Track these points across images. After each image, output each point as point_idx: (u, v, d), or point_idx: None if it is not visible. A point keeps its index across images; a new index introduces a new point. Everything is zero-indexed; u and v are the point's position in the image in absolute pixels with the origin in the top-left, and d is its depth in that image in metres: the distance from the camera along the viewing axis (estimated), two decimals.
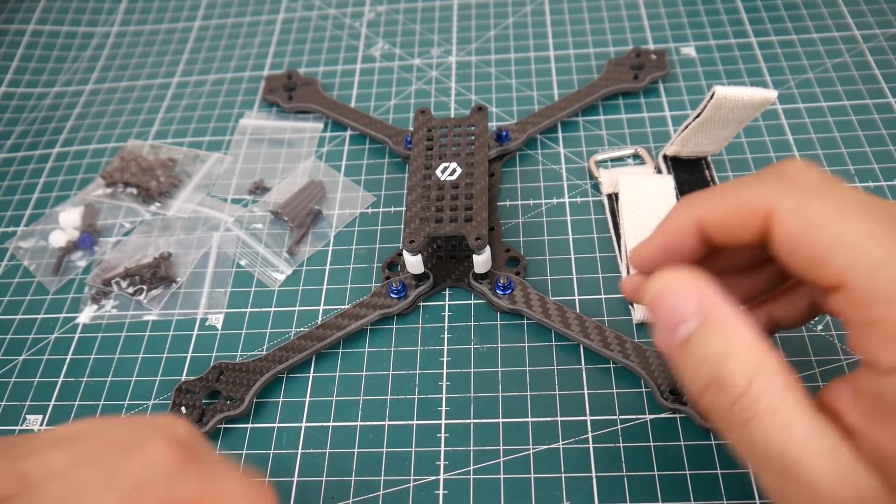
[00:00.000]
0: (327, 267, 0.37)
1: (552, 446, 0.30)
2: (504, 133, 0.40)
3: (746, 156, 0.38)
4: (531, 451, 0.30)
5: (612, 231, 0.36)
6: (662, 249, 0.22)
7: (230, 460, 0.22)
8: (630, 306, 0.33)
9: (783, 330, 0.25)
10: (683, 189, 0.36)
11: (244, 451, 0.31)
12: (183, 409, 0.32)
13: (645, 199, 0.36)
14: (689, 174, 0.37)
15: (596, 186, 0.39)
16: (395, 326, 0.34)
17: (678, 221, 0.22)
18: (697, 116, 0.34)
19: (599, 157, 0.39)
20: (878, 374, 0.18)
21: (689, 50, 0.45)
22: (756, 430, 0.18)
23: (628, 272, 0.34)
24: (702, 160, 0.38)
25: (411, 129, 0.41)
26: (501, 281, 0.33)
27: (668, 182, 0.37)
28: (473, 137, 0.36)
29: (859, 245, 0.18)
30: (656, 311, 0.20)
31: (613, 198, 0.37)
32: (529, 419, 0.31)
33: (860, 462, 0.18)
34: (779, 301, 0.24)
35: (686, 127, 0.35)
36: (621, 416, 0.30)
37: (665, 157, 0.38)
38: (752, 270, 0.24)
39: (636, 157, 0.39)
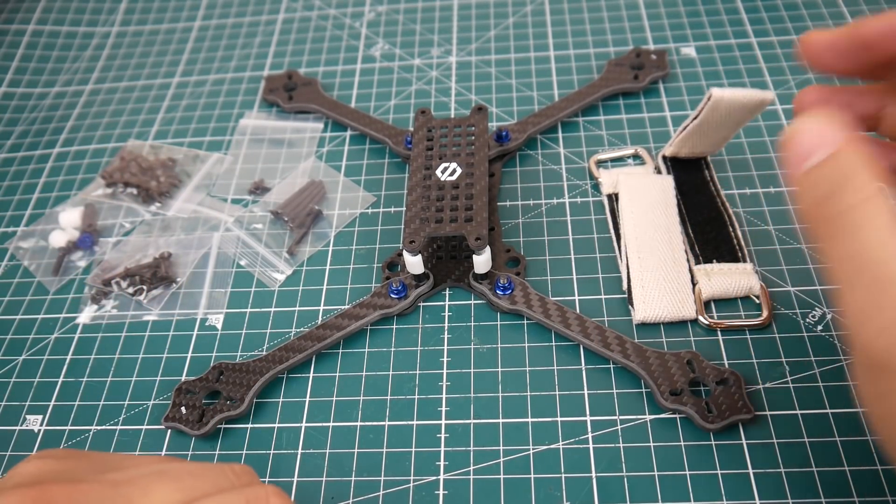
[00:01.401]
0: (327, 267, 0.37)
1: (552, 446, 0.30)
2: (504, 133, 0.40)
3: (746, 156, 0.38)
4: (531, 452, 0.30)
5: (612, 231, 0.36)
6: (851, 39, 0.24)
7: None
8: (629, 307, 0.33)
9: None
10: (683, 189, 0.36)
11: (244, 452, 0.31)
12: (183, 409, 0.32)
13: (645, 200, 0.36)
14: (689, 174, 0.37)
15: (596, 186, 0.39)
16: (395, 327, 0.34)
17: (880, 19, 0.24)
18: (695, 118, 0.34)
19: (600, 157, 0.39)
20: None
21: (689, 50, 0.45)
22: (860, 240, 0.20)
23: (628, 272, 0.34)
24: (701, 160, 0.38)
25: (411, 129, 0.41)
26: (501, 281, 0.33)
27: (668, 182, 0.37)
28: (473, 138, 0.36)
29: None
30: (792, 144, 0.23)
31: (613, 198, 0.37)
32: (529, 419, 0.31)
33: None
34: None
35: (684, 128, 0.35)
36: (621, 417, 0.30)
37: (664, 157, 0.38)
38: None
39: (636, 157, 0.39)
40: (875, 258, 0.20)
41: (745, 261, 0.33)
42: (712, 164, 0.38)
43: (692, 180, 0.37)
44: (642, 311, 0.33)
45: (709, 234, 0.35)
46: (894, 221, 0.20)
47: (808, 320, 0.32)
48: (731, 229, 0.35)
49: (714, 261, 0.33)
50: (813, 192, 0.22)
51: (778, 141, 0.23)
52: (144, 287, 0.37)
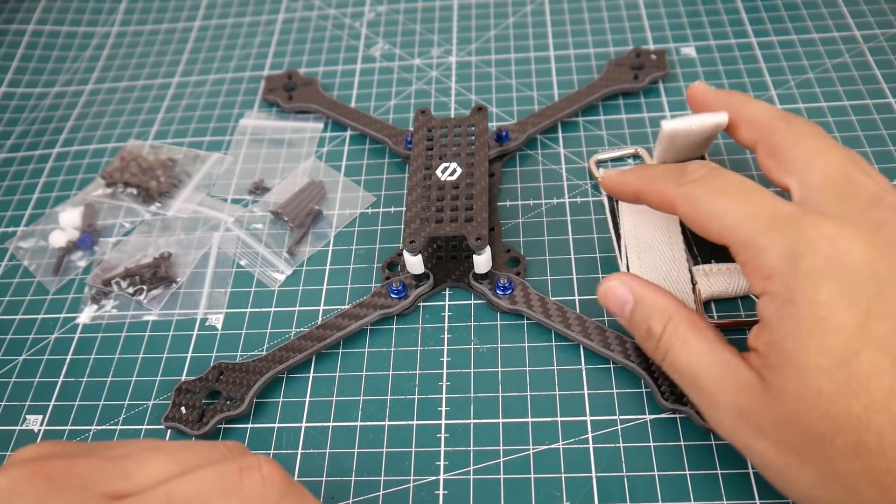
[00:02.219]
0: (327, 267, 0.37)
1: (552, 446, 0.30)
2: (504, 133, 0.40)
3: (746, 156, 0.39)
4: (531, 452, 0.30)
5: (611, 231, 0.36)
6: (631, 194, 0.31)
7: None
8: None
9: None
10: None
11: None
12: (183, 408, 0.32)
13: None
14: None
15: (596, 186, 0.39)
16: (394, 326, 0.34)
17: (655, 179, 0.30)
18: (656, 154, 0.33)
19: (599, 157, 0.39)
20: (757, 300, 0.25)
21: (689, 50, 0.45)
22: (672, 356, 0.26)
23: (628, 271, 0.34)
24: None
25: (411, 129, 0.41)
26: (502, 281, 0.33)
27: None
28: (473, 138, 0.36)
29: (724, 212, 0.26)
30: (607, 303, 0.29)
31: (613, 198, 0.37)
32: (529, 419, 0.31)
33: (745, 367, 0.24)
34: None
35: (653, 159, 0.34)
36: (621, 416, 0.30)
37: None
38: None
39: (636, 157, 0.39)
40: (686, 368, 0.26)
41: None
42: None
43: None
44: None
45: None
46: (691, 333, 0.26)
47: None
48: None
49: (713, 261, 0.33)
50: (638, 332, 0.28)
51: (598, 295, 0.30)
52: (144, 287, 0.37)
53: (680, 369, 0.26)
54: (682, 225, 0.35)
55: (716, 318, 0.32)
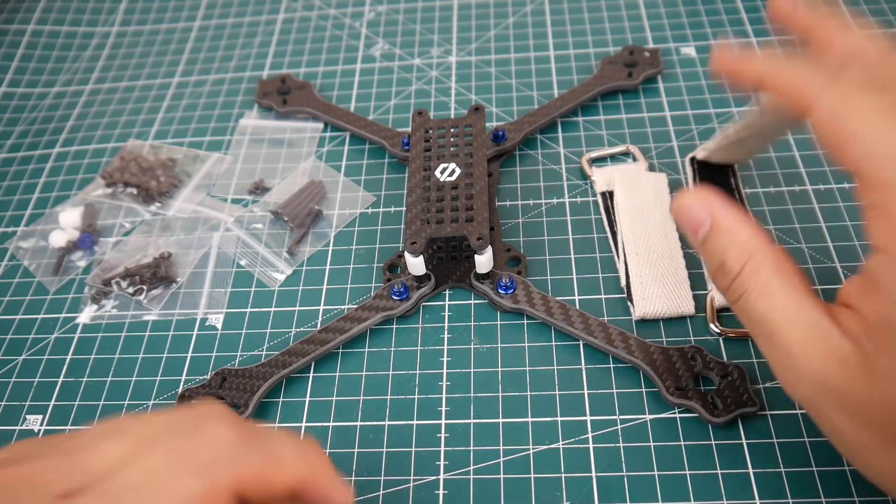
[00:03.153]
0: (327, 267, 0.37)
1: (552, 446, 0.30)
2: (501, 133, 0.40)
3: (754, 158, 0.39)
4: (531, 451, 0.30)
5: (607, 229, 0.36)
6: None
7: (274, 428, 0.22)
8: (629, 304, 0.33)
9: None
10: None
11: None
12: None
13: (640, 195, 0.36)
14: (715, 180, 0.36)
15: (595, 187, 0.39)
16: (395, 327, 0.34)
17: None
18: (742, 125, 0.32)
19: (592, 155, 0.39)
20: (872, 253, 0.22)
21: (689, 50, 0.45)
22: (746, 303, 0.24)
23: (626, 270, 0.34)
24: (728, 168, 0.37)
25: (409, 130, 0.41)
26: (503, 280, 0.33)
27: (661, 179, 0.37)
28: (471, 138, 0.36)
29: (876, 138, 0.21)
30: (680, 220, 0.26)
31: (608, 196, 0.37)
32: (529, 419, 0.31)
33: (839, 333, 0.22)
34: None
35: (725, 135, 0.34)
36: (621, 416, 0.30)
37: (692, 160, 0.37)
38: None
39: (627, 154, 0.39)
40: (763, 318, 0.23)
41: None
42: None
43: (717, 186, 0.35)
44: (642, 307, 0.33)
45: None
46: (774, 278, 0.23)
47: None
48: None
49: None
50: (710, 263, 0.25)
51: (672, 209, 0.26)
52: (144, 287, 0.37)
53: (755, 319, 0.23)
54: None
55: (722, 328, 0.32)
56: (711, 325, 0.32)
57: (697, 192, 0.25)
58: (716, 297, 0.32)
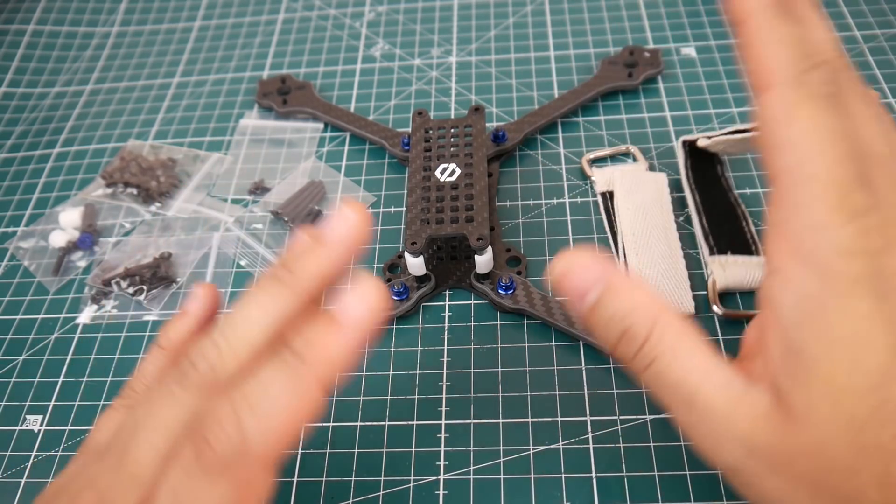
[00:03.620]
0: None
1: (552, 446, 0.30)
2: (501, 133, 0.40)
3: (747, 156, 0.38)
4: (531, 451, 0.30)
5: (607, 229, 0.36)
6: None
7: None
8: None
9: None
10: (696, 178, 0.36)
11: None
12: None
13: (640, 196, 0.36)
14: (703, 166, 0.37)
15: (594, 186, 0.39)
16: (395, 327, 0.34)
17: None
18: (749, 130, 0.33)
19: (592, 156, 0.39)
20: (767, 276, 0.20)
21: (689, 50, 0.45)
22: (660, 368, 0.21)
23: (626, 269, 0.34)
24: (714, 156, 0.37)
25: (408, 130, 0.41)
26: (503, 281, 0.33)
27: (661, 179, 0.37)
28: (471, 138, 0.36)
29: (808, 156, 0.19)
30: (565, 283, 0.23)
31: (608, 196, 0.37)
32: (529, 419, 0.31)
33: (755, 386, 0.20)
34: None
35: (738, 131, 0.35)
36: (621, 416, 0.30)
37: (685, 143, 0.37)
38: None
39: (627, 154, 0.39)
40: (680, 383, 0.21)
41: (758, 254, 0.34)
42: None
43: (704, 172, 0.37)
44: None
45: (723, 227, 0.35)
46: (683, 339, 0.21)
47: None
48: (744, 223, 0.35)
49: (728, 252, 0.33)
50: (610, 331, 0.22)
51: (553, 271, 0.23)
52: (144, 287, 0.37)
53: (671, 384, 0.21)
54: (701, 215, 0.35)
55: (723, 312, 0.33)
56: (714, 307, 0.32)
57: (582, 251, 0.23)
58: (717, 279, 0.33)
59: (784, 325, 0.19)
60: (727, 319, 0.32)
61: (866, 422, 0.18)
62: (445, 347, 0.33)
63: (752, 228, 0.34)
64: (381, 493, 0.29)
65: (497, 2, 0.51)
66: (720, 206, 0.35)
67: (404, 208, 0.38)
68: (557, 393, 0.31)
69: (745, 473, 0.20)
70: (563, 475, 0.29)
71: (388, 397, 0.32)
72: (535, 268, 0.36)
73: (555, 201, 0.38)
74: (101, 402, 0.34)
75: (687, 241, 0.35)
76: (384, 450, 0.31)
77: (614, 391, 0.31)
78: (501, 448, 0.30)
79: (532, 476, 0.29)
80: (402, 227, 0.38)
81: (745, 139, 0.35)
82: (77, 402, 0.34)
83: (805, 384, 0.19)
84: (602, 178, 0.38)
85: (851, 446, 0.18)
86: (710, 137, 0.36)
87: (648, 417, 0.30)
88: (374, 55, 0.48)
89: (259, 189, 0.41)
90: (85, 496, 0.20)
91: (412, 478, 0.30)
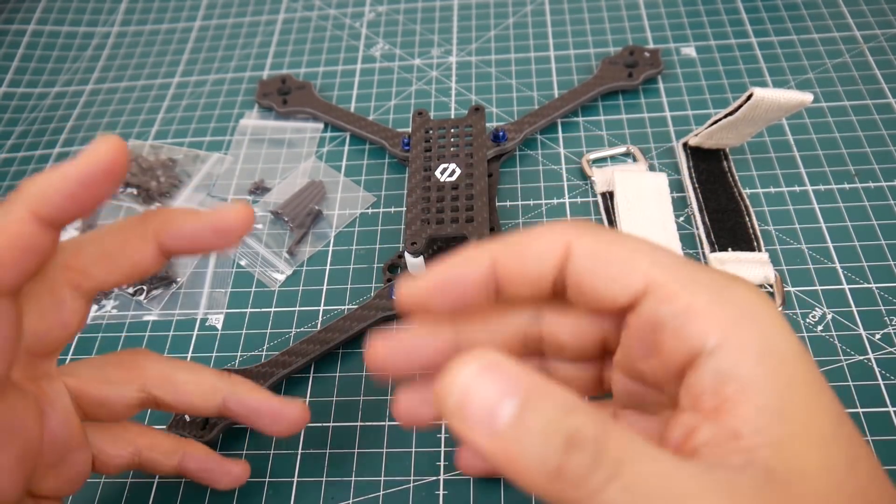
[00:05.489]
0: (327, 267, 0.37)
1: None
2: (501, 133, 0.40)
3: (747, 156, 0.39)
4: None
5: None
6: (443, 285, 0.20)
7: None
8: None
9: None
10: (700, 178, 0.37)
11: (244, 452, 0.31)
12: (186, 416, 0.32)
13: (640, 196, 0.36)
14: (707, 164, 0.37)
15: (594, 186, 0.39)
16: (394, 327, 0.34)
17: (472, 256, 0.20)
18: (730, 114, 0.34)
19: (592, 156, 0.39)
20: (705, 357, 0.17)
21: (689, 50, 0.45)
22: (631, 478, 0.15)
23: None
24: (720, 151, 0.38)
25: (409, 130, 0.41)
26: None
27: (662, 179, 0.37)
28: (471, 138, 0.36)
29: (636, 254, 0.19)
30: (461, 409, 0.16)
31: (608, 196, 0.37)
32: None
33: (727, 468, 0.16)
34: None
35: (715, 122, 0.35)
36: None
37: (685, 145, 0.38)
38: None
39: (627, 154, 0.39)
40: (663, 488, 0.15)
41: (760, 250, 0.34)
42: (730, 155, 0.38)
43: (710, 170, 0.37)
44: None
45: (725, 223, 0.35)
46: (636, 438, 0.16)
47: (808, 320, 0.32)
48: (747, 218, 0.35)
49: (729, 249, 0.34)
50: (546, 447, 0.15)
51: (439, 394, 0.17)
52: (144, 287, 0.37)
53: (649, 495, 0.15)
54: (703, 213, 0.35)
55: None
56: None
57: (477, 356, 0.16)
58: None
59: (738, 401, 0.17)
60: None
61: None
62: None
63: (755, 223, 0.35)
64: (381, 493, 0.29)
65: (497, 2, 0.51)
66: (724, 201, 0.36)
67: (404, 208, 0.38)
68: None
69: None
70: None
71: (389, 397, 0.32)
72: None
73: (555, 201, 0.38)
74: None
75: (687, 240, 0.35)
76: (384, 450, 0.31)
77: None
78: None
79: None
80: (402, 227, 0.38)
81: (726, 124, 0.35)
82: None
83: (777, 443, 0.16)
84: (602, 178, 0.38)
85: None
86: (696, 135, 0.37)
87: None
88: (374, 55, 0.48)
89: (259, 189, 0.41)
90: None
91: (412, 478, 0.30)
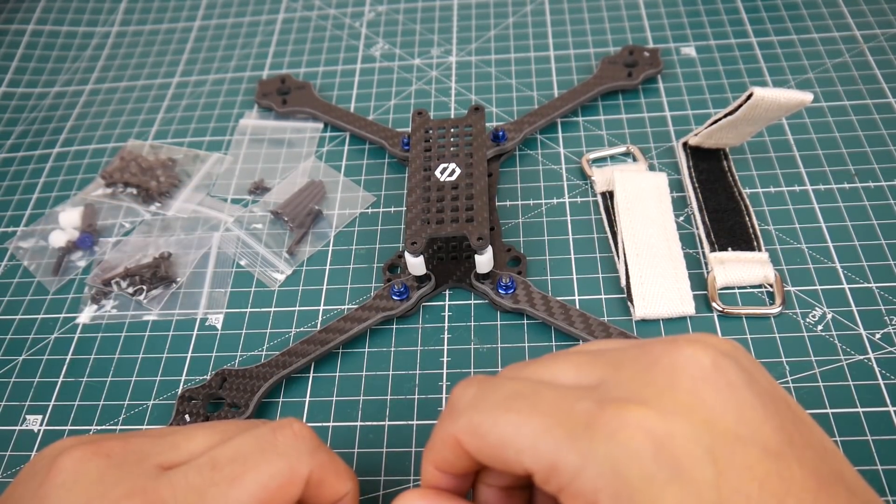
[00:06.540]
0: (327, 267, 0.37)
1: None
2: (501, 133, 0.40)
3: (747, 155, 0.39)
4: None
5: (607, 229, 0.36)
6: (437, 469, 0.23)
7: None
8: (629, 304, 0.33)
9: None
10: (700, 178, 0.37)
11: None
12: (187, 416, 0.32)
13: (640, 195, 0.36)
14: (707, 163, 0.38)
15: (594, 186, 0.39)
16: (395, 327, 0.34)
17: (441, 444, 0.22)
18: (730, 114, 0.34)
19: (592, 155, 0.39)
20: None
21: (689, 50, 0.45)
22: None
23: (626, 270, 0.34)
24: (720, 151, 0.38)
25: (408, 130, 0.41)
26: (504, 280, 0.33)
27: (661, 179, 0.37)
28: (471, 138, 0.36)
29: (516, 437, 0.19)
30: None
31: (608, 196, 0.37)
32: None
33: None
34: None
35: (715, 122, 0.36)
36: None
37: (685, 145, 0.38)
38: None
39: (627, 154, 0.39)
40: None
41: (759, 249, 0.34)
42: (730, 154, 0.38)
43: (710, 169, 0.37)
44: (642, 308, 0.33)
45: (725, 223, 0.35)
46: None
47: (808, 320, 0.32)
48: (746, 218, 0.35)
49: (729, 248, 0.34)
50: None
51: None
52: (144, 287, 0.37)
53: None
54: (703, 212, 0.35)
55: (723, 308, 0.33)
56: (714, 304, 0.33)
57: (410, 496, 0.22)
58: (717, 276, 0.33)
59: None
60: (726, 317, 0.32)
61: None
62: (445, 347, 0.33)
63: (755, 223, 0.35)
64: (381, 492, 0.29)
65: (497, 2, 0.51)
66: (724, 200, 0.36)
67: (404, 208, 0.38)
68: None
69: None
70: None
71: (388, 397, 0.32)
72: (535, 268, 0.36)
73: (555, 201, 0.38)
74: (101, 402, 0.34)
75: (687, 240, 0.35)
76: (384, 450, 0.30)
77: None
78: None
79: None
80: (402, 227, 0.38)
81: (726, 124, 0.35)
82: (77, 402, 0.34)
83: None
84: (602, 177, 0.38)
85: None
86: (696, 135, 0.37)
87: None
88: (373, 55, 0.48)
89: (259, 189, 0.41)
90: None
91: (412, 478, 0.30)
